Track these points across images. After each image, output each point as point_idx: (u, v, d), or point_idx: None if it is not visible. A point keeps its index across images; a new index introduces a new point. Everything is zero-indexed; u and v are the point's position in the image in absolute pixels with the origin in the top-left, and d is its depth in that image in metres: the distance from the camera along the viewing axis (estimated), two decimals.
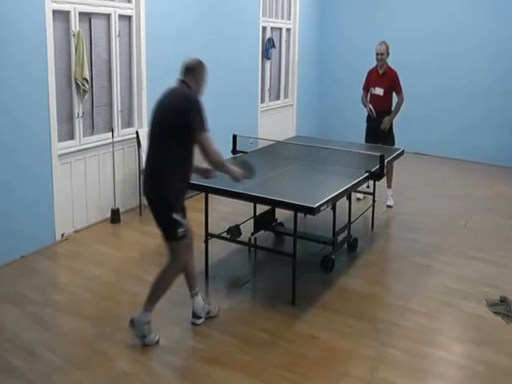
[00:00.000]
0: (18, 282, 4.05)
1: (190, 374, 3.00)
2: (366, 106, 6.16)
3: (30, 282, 4.06)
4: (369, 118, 6.16)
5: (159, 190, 3.07)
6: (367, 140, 6.15)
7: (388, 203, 6.01)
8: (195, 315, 3.49)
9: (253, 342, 3.31)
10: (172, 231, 3.09)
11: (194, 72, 3.13)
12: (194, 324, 3.46)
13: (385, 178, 5.67)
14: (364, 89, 6.23)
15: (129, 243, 4.91)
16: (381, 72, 6.03)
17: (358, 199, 6.00)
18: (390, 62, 6.10)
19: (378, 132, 6.04)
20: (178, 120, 2.97)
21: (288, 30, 8.50)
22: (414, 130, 8.42)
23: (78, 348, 3.23)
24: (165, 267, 3.23)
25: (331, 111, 9.50)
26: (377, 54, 5.97)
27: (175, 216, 3.06)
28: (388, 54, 5.98)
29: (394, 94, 6.08)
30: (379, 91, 6.00)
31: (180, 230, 3.09)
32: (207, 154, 3.02)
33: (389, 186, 6.07)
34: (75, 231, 5.05)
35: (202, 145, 3.00)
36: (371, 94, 6.10)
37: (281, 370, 3.03)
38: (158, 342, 3.25)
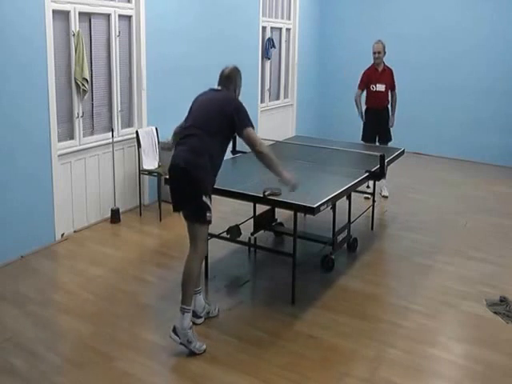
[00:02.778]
0: (18, 282, 4.05)
1: (190, 374, 3.00)
2: (357, 105, 6.28)
3: (30, 282, 4.06)
4: (373, 116, 6.21)
5: (197, 171, 3.11)
6: (365, 138, 6.22)
7: (383, 193, 6.10)
8: (195, 314, 3.49)
9: (253, 341, 3.31)
10: (200, 213, 3.15)
11: (231, 81, 3.36)
12: (193, 323, 3.45)
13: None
14: (360, 87, 6.31)
15: (129, 243, 4.91)
16: (380, 69, 6.18)
17: (367, 198, 5.87)
18: (392, 61, 6.16)
19: (379, 128, 6.18)
20: (226, 120, 3.17)
21: (288, 29, 8.50)
22: (414, 130, 8.42)
23: (78, 348, 3.23)
24: (189, 258, 3.23)
25: (331, 111, 9.50)
26: (374, 53, 6.13)
27: (205, 199, 3.13)
28: (384, 52, 6.13)
29: None
30: (381, 87, 6.15)
31: (208, 214, 3.17)
32: (254, 144, 3.20)
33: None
34: (75, 231, 5.05)
35: (248, 138, 3.19)
36: (371, 91, 6.22)
37: (281, 370, 3.03)
38: (205, 350, 3.19)
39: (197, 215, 3.19)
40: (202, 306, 3.52)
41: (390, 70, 6.24)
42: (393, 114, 6.30)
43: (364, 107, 6.33)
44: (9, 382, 2.89)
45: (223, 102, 3.26)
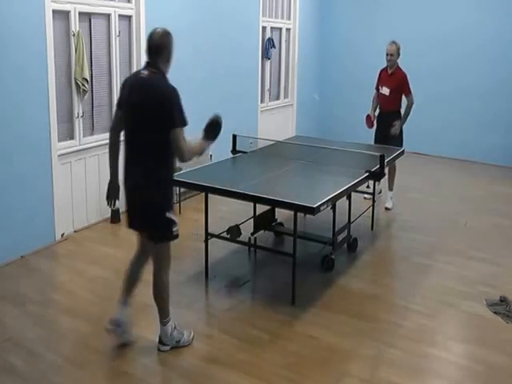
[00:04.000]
0: (18, 281, 4.05)
1: (190, 374, 3.00)
2: (372, 107, 6.12)
3: (30, 281, 4.06)
4: (379, 119, 6.11)
5: (154, 190, 2.93)
6: (376, 140, 6.08)
7: (386, 205, 5.98)
8: (118, 323, 3.17)
9: (253, 341, 3.31)
10: (166, 231, 2.99)
11: (163, 50, 2.92)
12: (109, 331, 3.18)
13: (387, 179, 5.68)
14: (376, 88, 6.16)
15: (129, 243, 4.88)
16: (390, 72, 5.96)
17: (367, 198, 5.83)
18: None
19: (387, 133, 5.93)
20: (163, 120, 2.83)
21: (288, 29, 8.50)
22: (414, 130, 8.40)
23: (78, 348, 3.23)
24: (157, 274, 3.09)
25: (331, 111, 9.50)
26: (386, 55, 5.89)
27: (168, 215, 2.98)
28: (398, 54, 5.89)
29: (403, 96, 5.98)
30: (386, 91, 5.95)
31: (175, 229, 3.01)
32: (180, 151, 2.87)
33: (390, 189, 6.07)
34: (75, 231, 5.05)
35: (178, 141, 2.84)
36: (379, 93, 6.06)
37: (281, 370, 3.03)
38: (193, 337, 3.26)
39: (163, 234, 2.99)
40: (127, 321, 3.22)
41: (402, 75, 5.90)
42: (402, 121, 5.91)
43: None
44: (9, 382, 2.89)
45: (153, 98, 2.85)
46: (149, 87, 2.89)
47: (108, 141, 3.18)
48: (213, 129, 3.10)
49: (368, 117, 6.11)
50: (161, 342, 3.17)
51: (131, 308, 3.25)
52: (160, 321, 3.16)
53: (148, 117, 2.87)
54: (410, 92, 5.92)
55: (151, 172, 2.93)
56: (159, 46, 2.91)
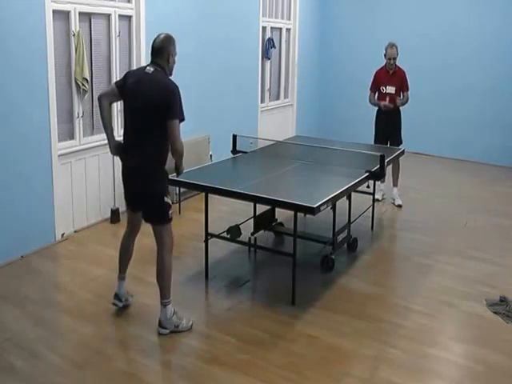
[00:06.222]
0: (18, 282, 4.05)
1: (190, 374, 3.00)
2: (376, 104, 6.10)
3: (31, 281, 4.06)
4: (378, 119, 6.12)
5: (153, 176, 3.22)
6: (377, 141, 6.09)
7: (397, 202, 6.02)
8: (118, 298, 3.62)
9: (253, 341, 3.31)
10: (164, 214, 3.27)
11: (163, 52, 3.23)
12: (114, 305, 3.61)
13: (391, 174, 5.67)
14: (372, 89, 6.14)
15: None
16: (391, 72, 6.01)
17: (378, 200, 5.90)
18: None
19: (390, 131, 6.00)
20: (162, 111, 3.09)
21: (288, 30, 8.51)
22: (414, 130, 8.42)
23: (78, 348, 3.23)
24: (159, 254, 3.33)
25: (331, 111, 9.50)
26: (389, 59, 5.92)
27: (167, 199, 3.26)
28: (397, 54, 5.94)
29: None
30: (391, 90, 5.98)
31: (170, 212, 3.30)
32: (174, 141, 3.12)
33: (394, 185, 6.09)
34: (75, 231, 5.05)
35: (173, 132, 3.10)
36: (382, 93, 6.04)
37: (281, 370, 3.03)
38: (192, 325, 3.38)
39: (160, 216, 3.28)
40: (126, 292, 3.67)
41: (402, 72, 6.02)
42: (402, 101, 6.00)
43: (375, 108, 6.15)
44: (9, 382, 2.89)
45: (158, 90, 3.14)
46: (154, 81, 3.17)
47: (99, 108, 3.37)
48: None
49: (384, 105, 6.03)
50: (160, 324, 3.31)
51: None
52: (160, 301, 3.32)
53: (151, 107, 3.12)
54: (407, 89, 6.05)
55: (151, 158, 3.20)
56: (159, 49, 3.24)
